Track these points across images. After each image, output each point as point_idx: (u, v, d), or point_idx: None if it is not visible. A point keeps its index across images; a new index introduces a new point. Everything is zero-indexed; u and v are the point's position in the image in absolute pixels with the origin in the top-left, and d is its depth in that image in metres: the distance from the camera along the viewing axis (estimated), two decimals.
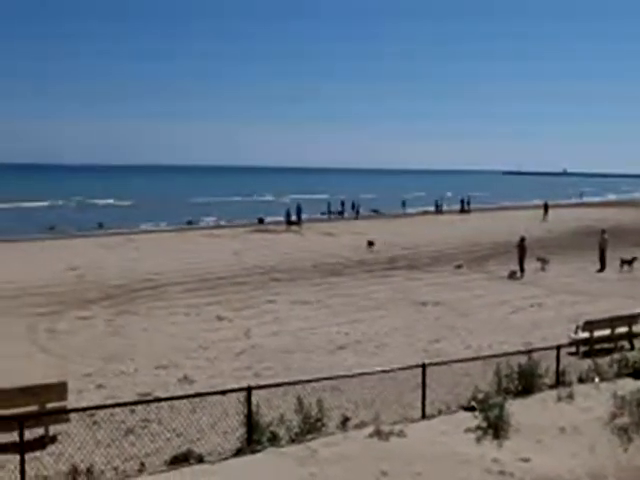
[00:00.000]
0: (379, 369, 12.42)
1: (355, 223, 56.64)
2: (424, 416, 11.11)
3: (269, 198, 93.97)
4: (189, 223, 55.12)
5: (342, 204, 66.63)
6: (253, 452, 9.40)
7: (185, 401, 11.78)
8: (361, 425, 10.43)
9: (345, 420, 10.53)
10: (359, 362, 15.76)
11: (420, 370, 11.44)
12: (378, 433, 9.77)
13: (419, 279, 28.45)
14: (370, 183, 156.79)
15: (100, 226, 51.95)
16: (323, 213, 64.39)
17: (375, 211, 69.14)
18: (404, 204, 73.17)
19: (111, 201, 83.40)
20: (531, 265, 30.18)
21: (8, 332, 18.71)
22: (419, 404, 11.33)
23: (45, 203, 78.13)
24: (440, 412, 11.35)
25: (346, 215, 64.57)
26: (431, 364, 11.92)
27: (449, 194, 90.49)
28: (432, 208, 72.12)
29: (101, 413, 11.87)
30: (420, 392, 11.39)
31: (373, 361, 15.71)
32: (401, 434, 9.86)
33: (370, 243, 38.91)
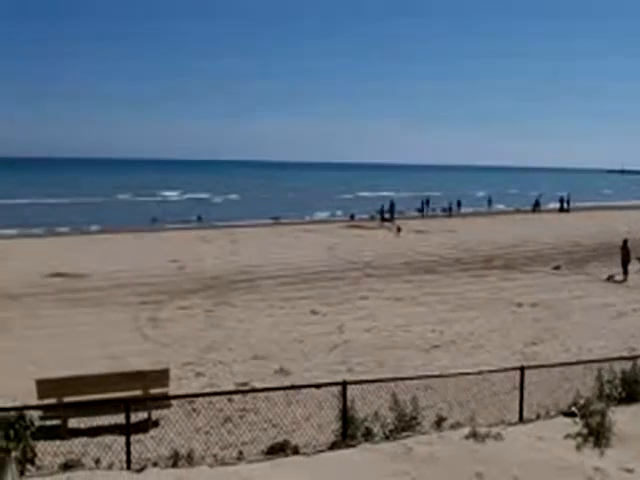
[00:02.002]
0: (475, 370, 12.27)
1: (448, 221, 55.87)
2: (522, 420, 10.87)
3: (389, 194, 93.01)
4: (275, 219, 56.04)
5: (427, 202, 65.47)
6: (348, 446, 9.48)
7: (281, 392, 12.04)
8: (456, 426, 10.32)
9: (440, 420, 10.46)
10: (453, 362, 15.61)
11: (517, 373, 11.22)
12: (474, 435, 9.64)
13: (515, 279, 27.79)
14: (481, 181, 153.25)
15: (199, 219, 53.94)
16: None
17: (448, 209, 65.23)
18: (490, 202, 71.39)
19: (234, 196, 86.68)
20: (634, 267, 28.88)
21: (115, 319, 19.66)
22: (516, 407, 11.10)
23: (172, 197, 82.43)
24: (538, 416, 11.08)
25: (439, 212, 63.78)
26: (529, 367, 11.66)
27: (560, 194, 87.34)
28: (528, 207, 70.24)
29: (200, 400, 12.31)
30: (517, 395, 11.16)
31: (468, 362, 15.53)
32: (498, 437, 9.70)
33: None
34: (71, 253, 33.12)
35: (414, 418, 10.09)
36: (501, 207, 73.93)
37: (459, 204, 65.75)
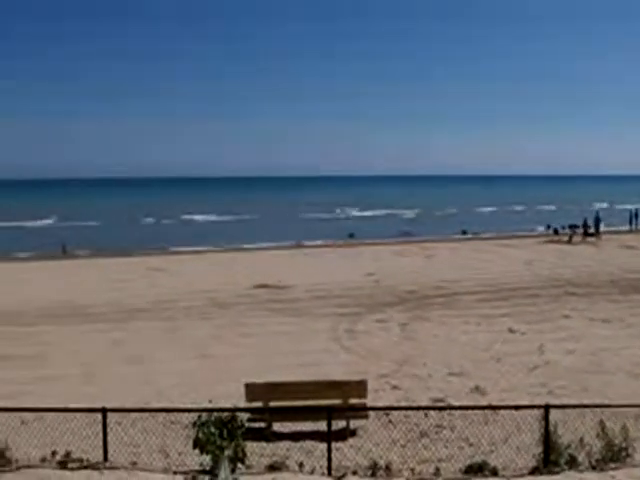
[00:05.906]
0: None
1: None
2: None
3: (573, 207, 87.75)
4: (464, 233, 55.10)
5: (637, 215, 59.59)
6: (550, 473, 9.15)
7: (477, 411, 11.85)
8: None
9: None
10: None
11: None
12: None
13: None
14: None
15: (407, 234, 54.61)
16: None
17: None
18: None
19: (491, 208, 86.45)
20: None
21: (315, 329, 20.54)
22: None
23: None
24: None
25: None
26: None
27: None
28: None
29: (396, 413, 12.47)
30: None
31: None
32: None
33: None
34: (276, 265, 35.14)
35: (624, 449, 9.49)
36: None
37: None
